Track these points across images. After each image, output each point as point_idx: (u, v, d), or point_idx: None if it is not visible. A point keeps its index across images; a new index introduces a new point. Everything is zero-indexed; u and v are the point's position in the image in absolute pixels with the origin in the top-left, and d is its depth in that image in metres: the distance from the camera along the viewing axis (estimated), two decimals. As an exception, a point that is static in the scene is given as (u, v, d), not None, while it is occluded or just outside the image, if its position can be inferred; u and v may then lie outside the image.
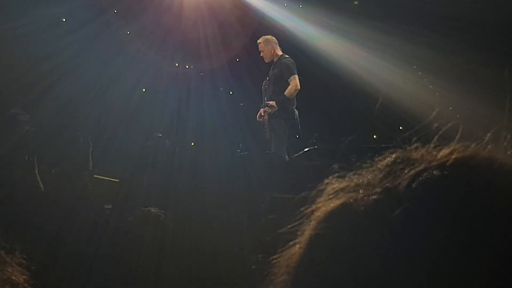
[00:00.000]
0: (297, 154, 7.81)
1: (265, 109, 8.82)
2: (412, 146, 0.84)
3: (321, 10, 10.27)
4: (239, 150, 9.12)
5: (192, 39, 11.06)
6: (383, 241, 0.72)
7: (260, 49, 8.92)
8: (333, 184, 0.83)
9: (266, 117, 8.81)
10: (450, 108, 8.25)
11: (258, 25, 10.68)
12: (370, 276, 0.71)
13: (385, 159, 0.82)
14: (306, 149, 7.96)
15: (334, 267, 0.74)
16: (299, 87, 8.65)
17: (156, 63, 10.71)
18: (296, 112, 8.89)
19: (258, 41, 8.93)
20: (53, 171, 7.00)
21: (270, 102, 8.74)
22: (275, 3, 10.76)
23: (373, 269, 0.71)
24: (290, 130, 8.89)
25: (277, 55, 8.89)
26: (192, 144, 9.61)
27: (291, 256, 0.82)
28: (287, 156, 8.56)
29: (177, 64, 11.46)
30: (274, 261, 0.86)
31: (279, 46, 9.05)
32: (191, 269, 3.63)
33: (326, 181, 0.85)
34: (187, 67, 11.60)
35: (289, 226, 0.85)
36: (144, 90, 10.99)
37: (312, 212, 0.82)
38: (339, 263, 0.74)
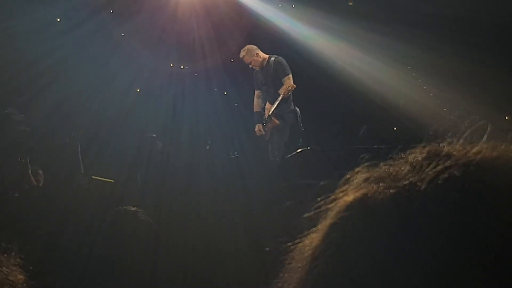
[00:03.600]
0: (290, 155, 7.82)
1: (266, 124, 8.85)
2: (446, 141, 0.83)
3: (316, 11, 10.28)
4: (235, 154, 9.12)
5: (186, 40, 11.06)
6: (398, 236, 0.72)
7: (246, 62, 8.88)
8: (362, 173, 0.83)
9: (271, 124, 8.82)
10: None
11: (253, 25, 10.69)
12: (383, 269, 0.71)
13: (416, 152, 0.82)
14: (299, 150, 7.96)
15: (348, 258, 0.74)
16: (294, 85, 8.66)
17: (151, 63, 10.70)
18: (298, 110, 8.91)
19: (241, 56, 8.88)
20: (47, 171, 6.99)
21: (271, 115, 8.75)
22: (270, 3, 10.77)
23: (386, 262, 0.71)
24: (290, 131, 8.92)
25: (264, 58, 8.90)
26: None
27: (308, 243, 0.82)
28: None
29: (172, 65, 11.46)
30: (291, 247, 0.86)
31: (273, 46, 9.08)
32: (179, 265, 3.64)
33: (356, 169, 0.85)
34: (182, 67, 11.60)
35: (308, 214, 0.85)
36: (138, 90, 10.99)
37: (334, 201, 0.82)
38: (354, 254, 0.74)
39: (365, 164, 0.85)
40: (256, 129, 9.04)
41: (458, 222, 0.70)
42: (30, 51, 9.37)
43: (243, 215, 4.52)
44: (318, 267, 0.77)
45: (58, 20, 10.32)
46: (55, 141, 7.68)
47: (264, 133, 8.97)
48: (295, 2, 10.73)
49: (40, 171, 7.02)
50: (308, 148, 8.10)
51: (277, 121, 8.81)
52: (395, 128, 9.68)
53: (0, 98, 8.74)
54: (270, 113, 8.82)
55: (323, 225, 0.81)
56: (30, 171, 6.76)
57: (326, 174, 0.95)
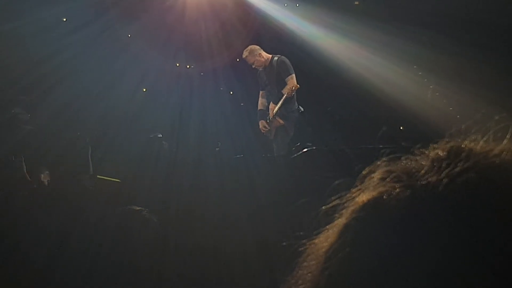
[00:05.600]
0: (295, 155, 7.81)
1: (270, 123, 8.86)
2: (468, 139, 0.82)
3: (322, 10, 10.27)
4: (240, 155, 9.13)
5: (192, 39, 11.06)
6: (412, 239, 0.71)
7: (249, 62, 8.90)
8: (382, 167, 0.82)
9: (276, 124, 8.83)
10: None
11: (259, 25, 10.69)
12: (395, 271, 0.71)
13: (438, 148, 0.81)
14: (304, 150, 7.96)
15: (361, 259, 0.74)
16: (297, 85, 8.66)
17: (157, 63, 10.72)
18: (301, 109, 8.91)
19: (243, 56, 8.90)
20: (53, 171, 7.01)
21: (275, 115, 8.75)
22: (276, 2, 10.77)
23: (396, 263, 0.71)
24: (295, 130, 8.93)
25: (267, 58, 8.90)
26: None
27: (321, 242, 0.81)
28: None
29: (178, 64, 11.47)
30: (304, 245, 0.85)
31: (277, 45, 9.10)
32: (181, 264, 3.65)
33: (376, 163, 0.84)
34: (188, 67, 11.61)
35: (322, 212, 0.85)
36: (144, 90, 11.00)
37: (349, 200, 0.82)
38: (367, 255, 0.73)
39: (385, 158, 0.84)
40: (260, 126, 9.05)
41: (473, 227, 0.69)
42: (36, 51, 9.40)
43: (250, 214, 4.53)
44: (331, 267, 0.77)
45: (64, 20, 10.34)
46: (62, 141, 7.69)
47: (268, 128, 8.97)
48: (300, 1, 10.72)
49: (47, 171, 7.04)
50: (314, 148, 8.11)
51: (281, 121, 8.82)
52: (401, 128, 9.65)
53: (7, 98, 8.77)
54: (274, 113, 8.82)
55: (338, 224, 0.80)
56: (36, 170, 6.79)
57: (342, 172, 0.94)
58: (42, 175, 6.95)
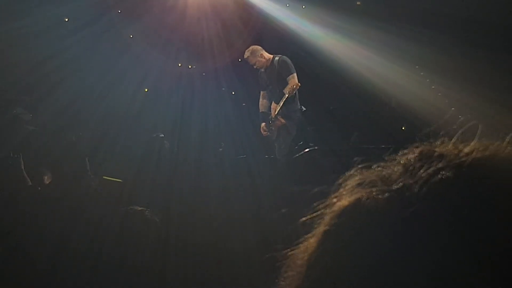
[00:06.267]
0: (298, 155, 7.81)
1: (273, 123, 8.86)
2: (438, 142, 0.83)
3: (324, 10, 10.27)
4: (243, 156, 9.13)
5: (194, 40, 11.07)
6: (392, 240, 0.71)
7: (251, 63, 8.92)
8: (355, 177, 0.82)
9: (278, 124, 8.82)
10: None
11: (261, 25, 10.69)
12: (377, 274, 0.71)
13: (409, 154, 0.81)
14: (306, 150, 7.96)
15: (343, 264, 0.74)
16: (299, 84, 8.66)
17: (158, 63, 10.72)
18: (304, 108, 8.92)
19: (245, 56, 8.93)
20: (55, 171, 7.00)
21: (277, 114, 8.75)
22: (278, 3, 10.77)
23: (380, 267, 0.71)
24: (297, 130, 8.94)
25: (268, 59, 8.91)
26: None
27: (304, 250, 0.82)
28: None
29: (179, 64, 11.47)
30: (287, 254, 0.85)
31: (279, 45, 9.10)
32: (183, 265, 3.65)
33: (348, 173, 0.84)
34: (190, 67, 11.61)
35: (304, 220, 0.85)
36: (146, 90, 11.01)
37: (329, 206, 0.82)
38: (348, 260, 0.73)
39: (358, 166, 0.84)
40: (261, 129, 9.06)
41: (452, 223, 0.70)
42: (38, 51, 9.41)
43: (252, 215, 4.52)
44: (313, 275, 0.77)
45: (66, 20, 10.35)
46: (64, 140, 7.69)
47: (268, 132, 8.98)
48: (303, 1, 10.72)
49: (48, 171, 7.04)
50: (316, 148, 8.11)
51: (283, 121, 8.82)
52: (403, 128, 9.64)
53: (8, 98, 8.78)
54: (276, 112, 8.82)
55: (318, 231, 0.81)
56: (37, 171, 6.78)
57: (321, 179, 0.95)
58: (44, 175, 6.95)
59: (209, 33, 11.00)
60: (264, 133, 9.02)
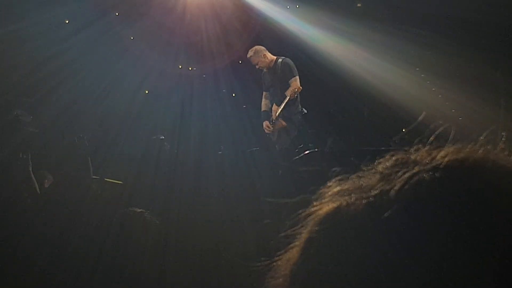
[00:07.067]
0: (297, 157, 7.80)
1: (273, 125, 8.86)
2: (413, 148, 0.84)
3: (324, 13, 10.27)
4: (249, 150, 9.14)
5: (195, 42, 11.07)
6: (374, 244, 0.73)
7: (253, 63, 8.90)
8: (334, 187, 0.84)
9: (278, 126, 8.83)
10: (452, 109, 8.26)
11: (261, 27, 10.69)
12: (361, 278, 0.72)
13: (385, 161, 0.83)
14: (306, 152, 7.95)
15: (327, 270, 0.75)
16: (300, 87, 8.67)
17: (159, 65, 10.73)
18: (305, 111, 8.92)
19: (248, 56, 8.90)
20: (55, 173, 7.00)
21: (278, 116, 8.75)
22: (278, 5, 10.77)
23: (364, 271, 0.72)
24: (298, 133, 8.94)
25: (271, 59, 8.90)
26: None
27: (288, 259, 0.83)
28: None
29: (180, 66, 11.47)
30: (272, 264, 0.87)
31: (280, 47, 9.09)
32: (178, 267, 3.65)
33: (328, 184, 0.86)
34: (190, 69, 11.62)
35: (286, 230, 0.86)
36: (147, 92, 11.01)
37: (310, 215, 0.83)
38: (332, 266, 0.75)
39: (337, 177, 0.86)
40: (264, 125, 9.05)
41: (429, 224, 0.71)
42: (38, 53, 9.41)
43: (252, 217, 4.52)
44: (298, 283, 0.79)
45: (67, 22, 10.36)
46: (64, 142, 7.69)
47: (272, 128, 8.98)
48: (303, 3, 10.72)
49: (48, 173, 7.04)
50: (316, 150, 8.10)
51: (284, 123, 8.82)
52: (403, 130, 9.62)
53: (8, 100, 8.78)
54: (277, 114, 8.82)
55: (300, 240, 0.82)
56: (39, 172, 6.78)
57: (300, 189, 0.96)
58: (44, 177, 6.95)
59: (210, 35, 11.01)
60: (268, 129, 9.01)
